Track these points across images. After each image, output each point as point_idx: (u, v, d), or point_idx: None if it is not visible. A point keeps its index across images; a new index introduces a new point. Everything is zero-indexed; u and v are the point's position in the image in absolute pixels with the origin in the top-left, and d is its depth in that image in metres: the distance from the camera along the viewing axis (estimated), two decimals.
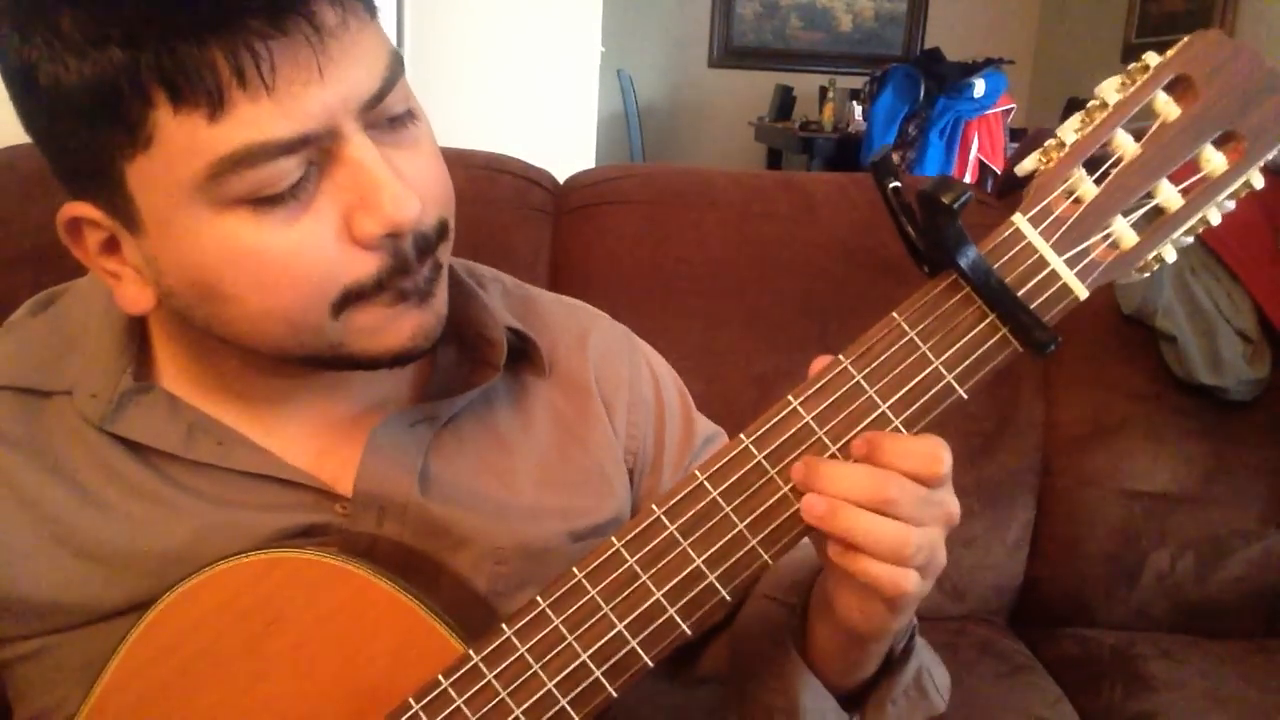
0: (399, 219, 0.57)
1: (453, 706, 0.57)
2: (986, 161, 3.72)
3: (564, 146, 2.59)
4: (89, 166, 0.57)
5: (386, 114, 0.59)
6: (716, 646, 0.77)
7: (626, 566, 0.56)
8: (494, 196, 1.31)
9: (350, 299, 0.59)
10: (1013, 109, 3.98)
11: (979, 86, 3.68)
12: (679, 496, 0.56)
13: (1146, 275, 0.55)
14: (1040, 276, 0.54)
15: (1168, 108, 0.53)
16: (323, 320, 0.60)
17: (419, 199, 0.58)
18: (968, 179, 3.67)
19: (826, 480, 0.54)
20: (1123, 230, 0.54)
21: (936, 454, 0.54)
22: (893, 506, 0.53)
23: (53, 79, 0.53)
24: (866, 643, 0.63)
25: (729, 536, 0.56)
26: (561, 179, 1.42)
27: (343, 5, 0.55)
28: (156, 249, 0.59)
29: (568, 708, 0.57)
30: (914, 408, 0.55)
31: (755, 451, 0.56)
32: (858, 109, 4.78)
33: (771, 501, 0.56)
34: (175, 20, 0.51)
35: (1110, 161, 0.53)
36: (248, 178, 0.55)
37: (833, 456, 0.56)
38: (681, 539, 0.56)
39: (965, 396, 0.55)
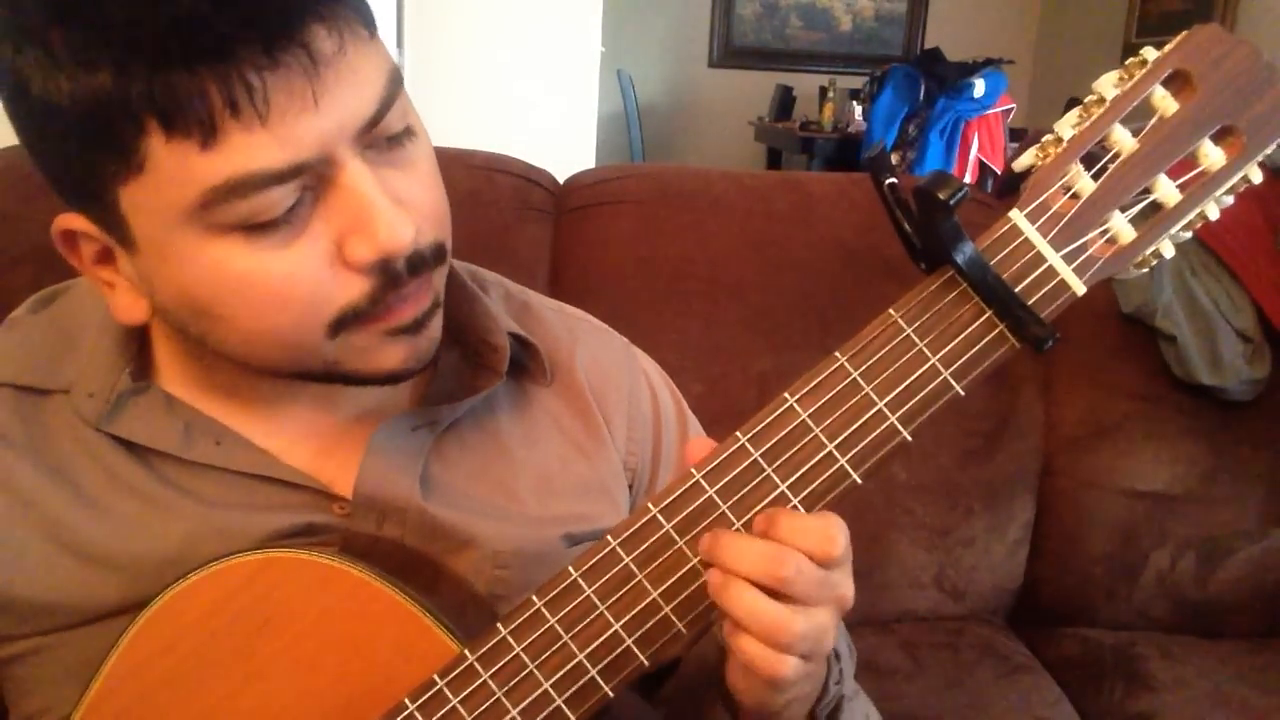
0: (392, 246, 0.57)
1: (448, 706, 0.57)
2: (986, 161, 3.72)
3: (564, 146, 2.59)
4: (82, 184, 0.57)
5: (384, 134, 0.58)
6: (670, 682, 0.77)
7: (622, 565, 0.56)
8: (494, 196, 1.31)
9: (347, 321, 0.59)
10: (1013, 109, 3.98)
11: (979, 86, 3.68)
12: (675, 494, 0.56)
13: (1144, 271, 0.55)
14: (1037, 272, 0.54)
15: (1165, 103, 0.53)
16: (318, 340, 0.60)
17: (414, 223, 0.58)
18: (968, 179, 3.67)
19: (726, 553, 0.54)
20: (1120, 226, 0.53)
21: (831, 534, 0.54)
22: (787, 585, 0.53)
23: (44, 94, 0.53)
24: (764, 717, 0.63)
25: None
26: (561, 179, 1.42)
27: (340, 30, 0.54)
28: (149, 268, 0.59)
29: (564, 707, 0.56)
30: (911, 404, 0.55)
31: (752, 449, 0.56)
32: (858, 109, 4.78)
33: (767, 500, 0.56)
34: (167, 48, 0.50)
35: (1108, 157, 0.53)
36: (240, 206, 0.54)
37: (829, 455, 0.55)
38: (678, 537, 0.56)
39: (962, 393, 0.55)
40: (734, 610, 0.53)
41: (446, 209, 0.64)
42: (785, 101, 5.49)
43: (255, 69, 0.51)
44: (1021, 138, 3.75)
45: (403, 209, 0.58)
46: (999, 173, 3.61)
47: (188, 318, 0.61)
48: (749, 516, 0.56)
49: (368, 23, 0.57)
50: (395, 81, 0.58)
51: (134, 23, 0.51)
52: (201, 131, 0.52)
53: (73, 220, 0.59)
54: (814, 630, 0.54)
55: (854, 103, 4.87)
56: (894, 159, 3.84)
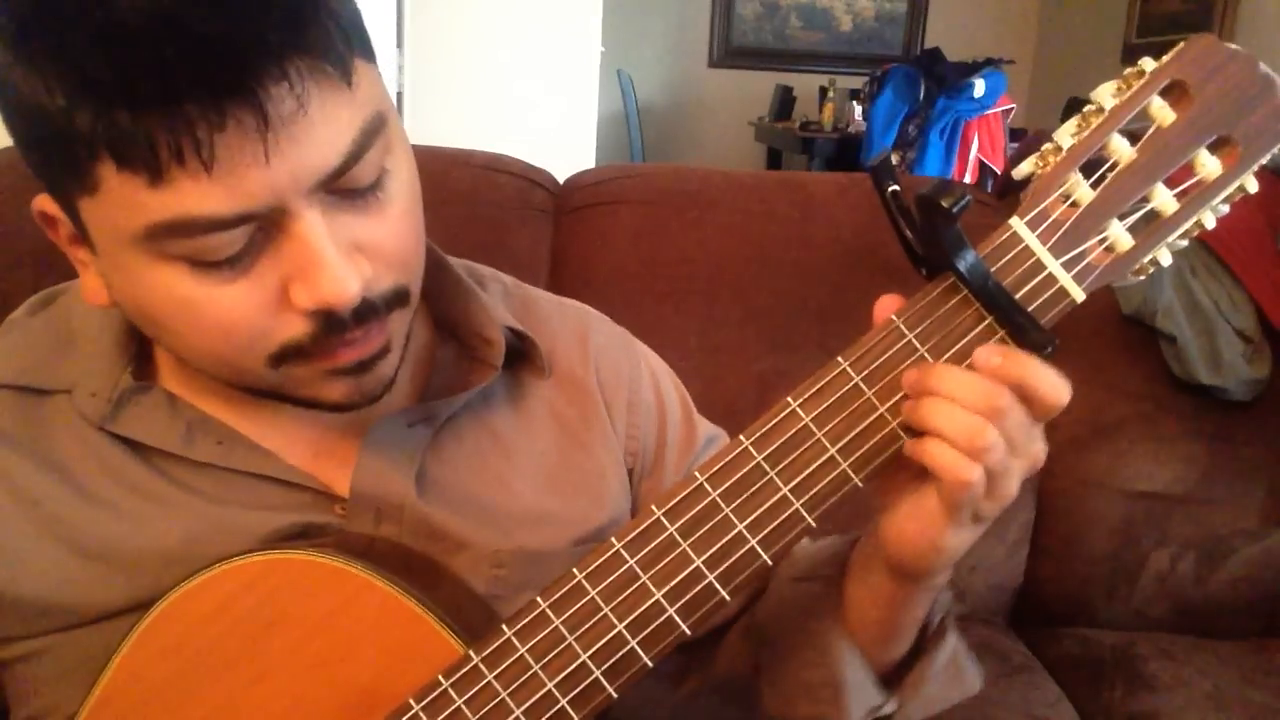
0: (333, 301, 0.56)
1: (453, 707, 0.57)
2: (986, 161, 3.72)
3: (564, 146, 2.59)
4: (47, 181, 0.58)
5: (350, 185, 0.56)
6: (732, 643, 0.77)
7: (626, 567, 0.57)
8: (494, 196, 1.31)
9: (288, 355, 0.59)
10: (1013, 109, 3.98)
11: (979, 86, 3.68)
12: (679, 497, 0.57)
13: (1143, 278, 0.55)
14: (1038, 279, 0.54)
15: (1163, 112, 0.53)
16: (259, 367, 0.60)
17: (363, 275, 0.57)
18: (968, 179, 3.68)
19: (938, 379, 0.54)
20: (1119, 234, 0.54)
21: (1064, 384, 0.54)
22: (998, 416, 0.53)
23: (15, 89, 0.53)
24: (909, 599, 0.62)
25: (729, 537, 0.56)
26: (561, 179, 1.42)
27: (303, 88, 0.52)
28: (105, 270, 0.60)
29: (568, 708, 0.57)
30: None
31: (755, 453, 0.56)
32: (858, 109, 4.78)
33: (771, 502, 0.56)
34: (115, 90, 0.50)
35: (1106, 166, 0.53)
36: (186, 244, 0.54)
37: (831, 459, 0.56)
38: (681, 540, 0.56)
39: None
40: (930, 417, 0.53)
41: (417, 251, 0.63)
42: (785, 101, 5.49)
43: (205, 123, 0.50)
44: (1021, 138, 3.76)
45: (355, 259, 0.57)
46: (999, 173, 3.61)
47: (138, 320, 0.62)
48: (752, 517, 0.56)
49: (345, 72, 0.54)
50: (370, 132, 0.56)
51: (92, 57, 0.50)
52: (149, 171, 0.51)
53: (47, 204, 0.60)
54: (1002, 450, 0.54)
55: (854, 103, 4.87)
56: (894, 159, 3.84)
